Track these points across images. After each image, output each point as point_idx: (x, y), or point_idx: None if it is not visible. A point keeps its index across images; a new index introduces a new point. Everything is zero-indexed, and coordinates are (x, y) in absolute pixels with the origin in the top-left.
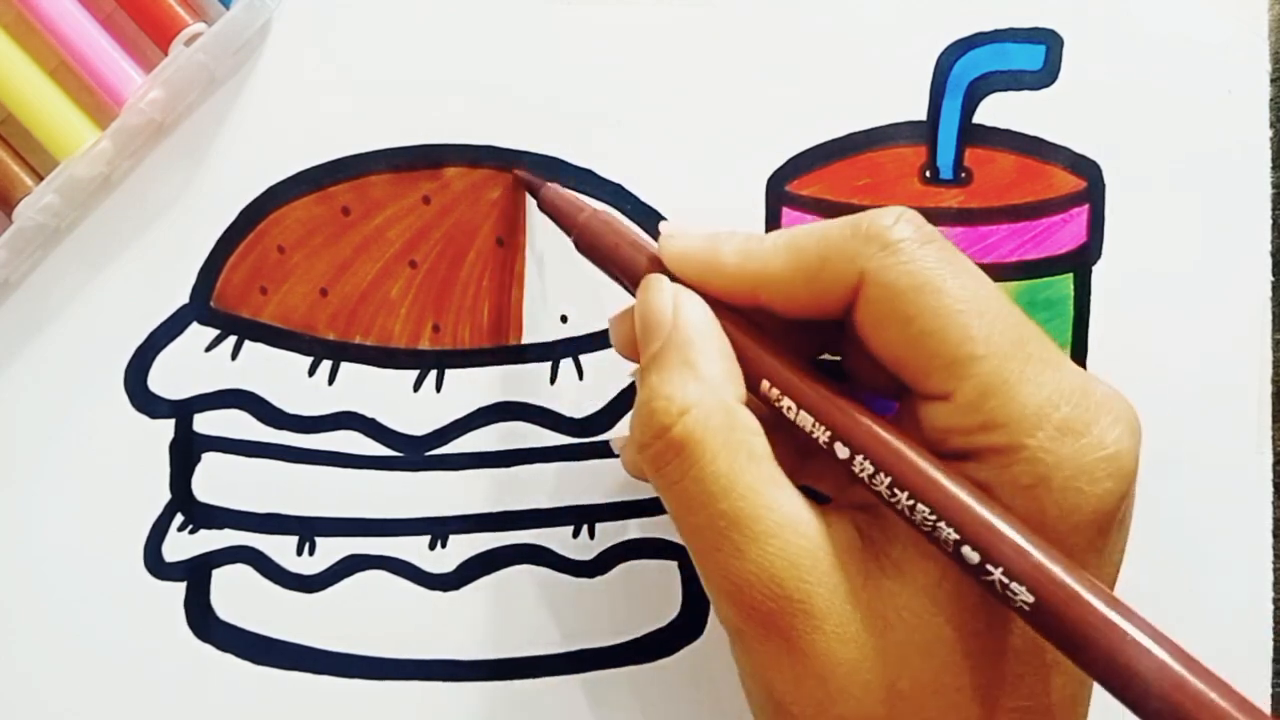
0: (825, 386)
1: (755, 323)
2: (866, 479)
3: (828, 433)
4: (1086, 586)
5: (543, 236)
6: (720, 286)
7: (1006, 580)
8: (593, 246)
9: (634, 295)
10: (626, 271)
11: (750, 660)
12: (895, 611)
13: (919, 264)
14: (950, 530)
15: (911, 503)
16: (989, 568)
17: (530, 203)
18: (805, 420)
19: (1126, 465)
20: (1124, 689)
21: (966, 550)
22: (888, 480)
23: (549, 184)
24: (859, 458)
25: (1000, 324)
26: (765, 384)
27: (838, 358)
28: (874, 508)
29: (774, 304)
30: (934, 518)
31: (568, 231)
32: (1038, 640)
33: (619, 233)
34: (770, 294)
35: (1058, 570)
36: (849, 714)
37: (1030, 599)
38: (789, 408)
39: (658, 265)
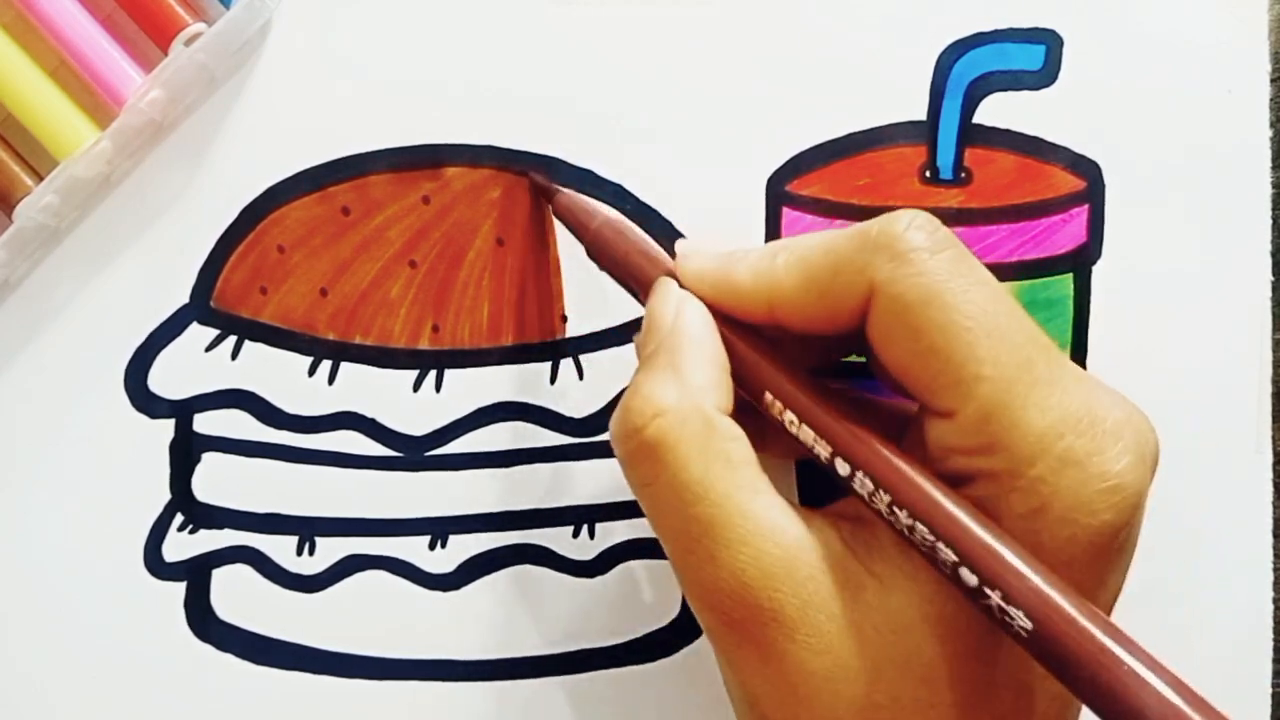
0: (829, 404)
1: (767, 338)
2: (866, 496)
3: (829, 449)
4: (1086, 614)
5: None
6: (735, 304)
7: (1005, 605)
8: (605, 254)
9: (644, 305)
10: (638, 281)
11: (727, 663)
12: (874, 625)
13: (929, 276)
14: (949, 552)
15: (911, 522)
16: (987, 591)
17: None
18: (807, 435)
19: (1130, 497)
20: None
21: (964, 572)
22: (887, 499)
23: (563, 190)
24: (859, 474)
25: (1009, 342)
26: (768, 397)
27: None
28: (862, 519)
29: (789, 321)
30: (933, 538)
31: (580, 238)
32: (1022, 661)
33: (632, 242)
34: (784, 311)
35: (1057, 597)
36: None
37: (1028, 625)
38: (791, 422)
39: (670, 277)
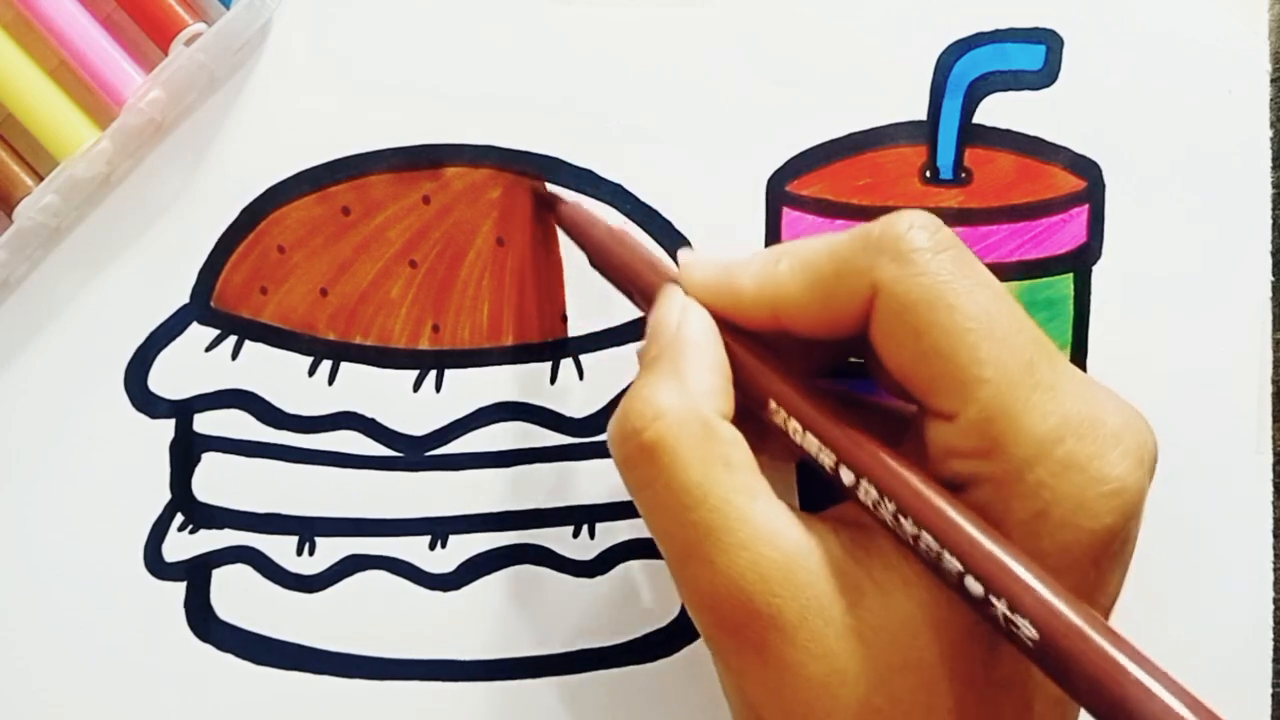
0: (833, 412)
1: (771, 346)
2: (870, 505)
3: (833, 457)
4: (1092, 625)
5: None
6: (739, 312)
7: (1010, 614)
8: (608, 262)
9: (647, 314)
10: (641, 290)
11: (724, 668)
12: (873, 629)
13: (932, 276)
14: (954, 561)
15: (916, 531)
16: (992, 600)
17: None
18: (811, 444)
19: (1130, 501)
20: None
21: (970, 582)
22: (893, 508)
23: (565, 199)
24: (864, 483)
25: (1011, 344)
26: (772, 406)
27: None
28: (862, 524)
29: (794, 326)
30: (938, 547)
31: (583, 246)
32: (1021, 665)
33: (635, 251)
34: (789, 316)
35: (1063, 607)
36: None
37: (1034, 635)
38: (795, 430)
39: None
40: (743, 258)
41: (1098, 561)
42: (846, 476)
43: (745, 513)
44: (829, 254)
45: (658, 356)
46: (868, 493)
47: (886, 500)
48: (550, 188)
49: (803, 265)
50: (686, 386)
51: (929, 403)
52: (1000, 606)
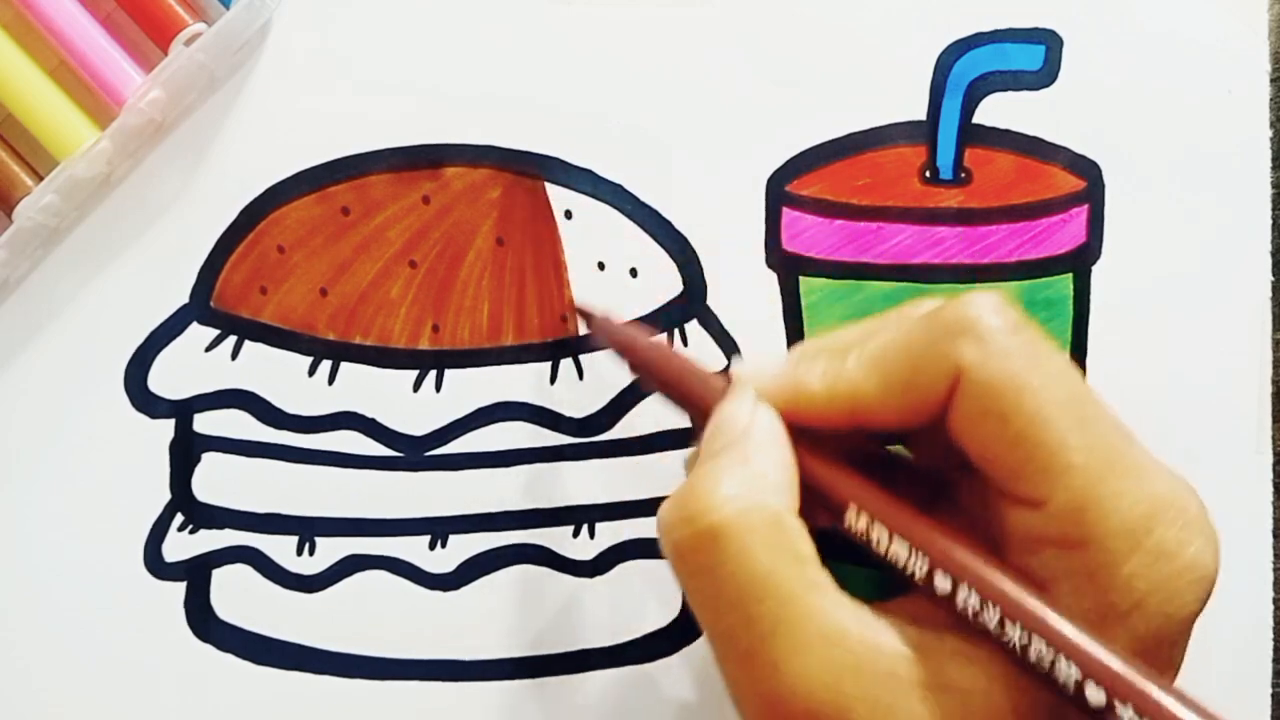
0: (923, 519)
1: (839, 451)
2: (970, 613)
3: (926, 564)
4: None
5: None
6: (812, 413)
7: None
8: (657, 375)
9: (697, 423)
10: (692, 401)
11: None
12: None
13: (1015, 358)
14: (1073, 668)
15: (1025, 640)
16: (1116, 707)
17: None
18: (898, 552)
19: (1210, 586)
20: None
21: (1091, 689)
22: (997, 614)
23: (602, 315)
24: (962, 589)
25: (1097, 429)
26: (851, 513)
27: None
28: (930, 617)
29: (873, 422)
30: (1052, 655)
31: (629, 358)
32: None
33: (684, 362)
34: (867, 413)
35: (1192, 716)
36: None
37: None
38: (879, 538)
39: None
40: (801, 360)
41: (1176, 642)
42: (941, 583)
43: (814, 609)
44: (902, 345)
45: (723, 449)
46: (967, 600)
47: (991, 606)
48: (579, 303)
49: (873, 360)
50: (755, 477)
51: (1013, 488)
52: (1126, 712)
